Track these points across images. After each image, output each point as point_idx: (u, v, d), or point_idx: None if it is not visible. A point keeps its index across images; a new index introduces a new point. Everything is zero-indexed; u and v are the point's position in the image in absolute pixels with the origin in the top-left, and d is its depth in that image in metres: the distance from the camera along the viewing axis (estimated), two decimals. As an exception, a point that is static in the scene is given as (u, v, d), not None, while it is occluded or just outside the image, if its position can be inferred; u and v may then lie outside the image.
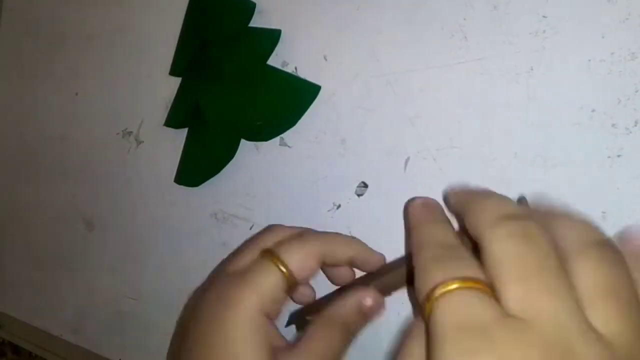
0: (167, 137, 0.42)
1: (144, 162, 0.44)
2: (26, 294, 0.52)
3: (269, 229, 0.32)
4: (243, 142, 0.39)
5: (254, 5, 0.39)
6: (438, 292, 0.20)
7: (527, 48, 0.30)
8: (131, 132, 0.45)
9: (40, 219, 0.51)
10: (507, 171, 0.30)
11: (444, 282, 0.20)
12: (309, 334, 0.29)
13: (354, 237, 0.32)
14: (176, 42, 0.42)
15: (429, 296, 0.20)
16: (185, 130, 0.41)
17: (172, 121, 0.41)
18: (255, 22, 0.39)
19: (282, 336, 0.29)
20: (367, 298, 0.29)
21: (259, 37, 0.38)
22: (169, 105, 0.42)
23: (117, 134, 0.46)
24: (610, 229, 0.28)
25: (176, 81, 0.41)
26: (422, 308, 0.20)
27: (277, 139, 0.38)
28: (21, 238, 0.53)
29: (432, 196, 0.32)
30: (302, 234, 0.31)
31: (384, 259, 0.32)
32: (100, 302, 0.46)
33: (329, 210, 0.36)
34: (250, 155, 0.39)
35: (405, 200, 0.33)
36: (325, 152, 0.36)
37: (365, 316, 0.29)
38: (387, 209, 0.34)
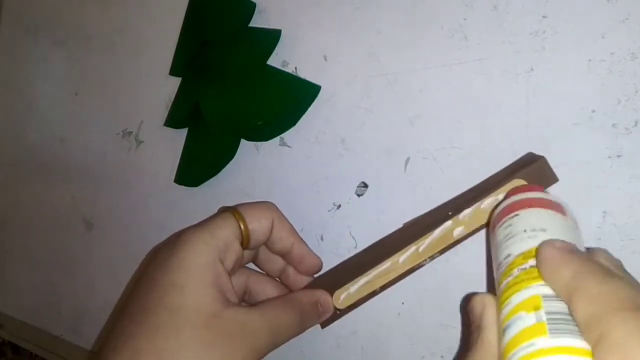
0: (167, 137, 0.42)
1: (144, 162, 0.44)
2: (26, 294, 0.52)
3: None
4: (243, 142, 0.39)
5: (254, 5, 0.39)
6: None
7: (527, 48, 0.30)
8: (131, 132, 0.45)
9: (40, 219, 0.51)
10: (507, 171, 0.30)
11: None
12: (268, 304, 0.30)
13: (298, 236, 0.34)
14: (176, 42, 0.42)
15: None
16: (185, 130, 0.41)
17: (172, 121, 0.41)
18: (255, 22, 0.39)
19: (234, 293, 0.30)
20: (325, 296, 0.32)
21: (259, 37, 0.38)
22: (169, 105, 0.42)
23: (117, 134, 0.46)
24: (610, 229, 0.28)
25: (176, 81, 0.41)
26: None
27: (277, 139, 0.38)
28: (21, 238, 0.53)
29: (431, 196, 0.32)
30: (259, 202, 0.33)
31: (321, 263, 0.34)
32: (100, 302, 0.46)
33: (329, 210, 0.36)
34: (250, 155, 0.39)
35: (406, 200, 0.33)
36: (325, 152, 0.36)
37: (318, 313, 0.32)
38: (387, 209, 0.34)
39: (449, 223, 0.29)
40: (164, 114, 0.42)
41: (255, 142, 0.39)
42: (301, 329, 0.31)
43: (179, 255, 0.28)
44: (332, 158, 0.36)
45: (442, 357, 0.32)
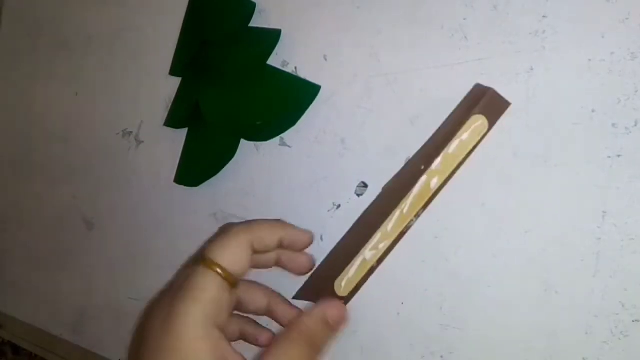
0: (167, 137, 0.42)
1: (144, 162, 0.44)
2: (26, 294, 0.52)
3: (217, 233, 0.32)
4: (243, 142, 0.39)
5: (254, 5, 0.39)
6: None
7: (527, 48, 0.30)
8: (131, 132, 0.45)
9: (40, 219, 0.51)
10: (508, 171, 0.30)
11: None
12: (272, 351, 0.28)
13: (278, 220, 0.32)
14: (176, 42, 0.42)
15: None
16: (185, 130, 0.41)
17: (172, 121, 0.41)
18: (256, 22, 0.39)
19: (235, 351, 0.28)
20: (332, 309, 0.29)
21: (259, 37, 0.38)
22: (169, 106, 0.42)
23: (117, 134, 0.46)
24: (610, 229, 0.28)
25: (176, 81, 0.41)
26: None
27: (277, 139, 0.38)
28: (22, 238, 0.53)
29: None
30: (225, 229, 0.30)
31: (312, 236, 0.32)
32: (100, 302, 0.46)
33: (329, 210, 0.36)
34: (250, 155, 0.39)
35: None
36: (325, 152, 0.36)
37: (331, 328, 0.29)
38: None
39: (424, 178, 0.29)
40: (164, 114, 0.43)
41: (255, 142, 0.39)
42: (319, 351, 0.29)
43: (174, 336, 0.27)
44: (332, 158, 0.36)
45: (442, 356, 0.32)
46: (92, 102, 0.48)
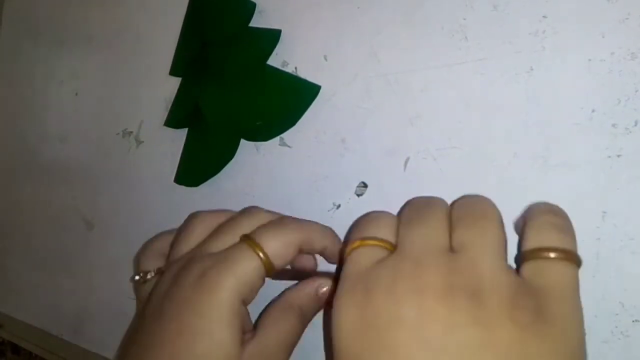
0: (167, 137, 0.42)
1: (144, 162, 0.44)
2: (26, 293, 0.52)
3: (248, 211, 0.32)
4: (243, 142, 0.39)
5: (254, 5, 0.39)
6: (348, 250, 0.26)
7: (527, 48, 0.30)
8: (131, 132, 0.45)
9: (40, 219, 0.51)
10: (507, 171, 0.30)
11: (352, 242, 0.26)
12: (269, 321, 0.30)
13: (329, 227, 0.33)
14: (176, 42, 0.42)
15: (343, 255, 0.26)
16: (185, 130, 0.41)
17: (172, 121, 0.41)
18: (256, 22, 0.39)
19: (251, 321, 0.31)
20: (324, 285, 0.32)
21: (259, 37, 0.38)
22: (169, 106, 0.42)
23: (117, 134, 0.46)
24: (610, 229, 0.28)
25: (176, 81, 0.41)
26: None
27: (277, 139, 0.38)
28: (21, 238, 0.53)
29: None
30: (282, 220, 0.31)
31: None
32: (100, 302, 0.46)
33: (328, 210, 0.36)
34: (250, 155, 0.39)
35: (405, 200, 0.33)
36: (325, 152, 0.36)
37: (320, 300, 0.32)
38: (386, 209, 0.34)
39: None
40: (164, 114, 0.43)
41: (255, 142, 0.39)
42: (308, 321, 0.32)
43: (205, 300, 0.28)
44: (332, 158, 0.36)
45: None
46: (92, 102, 0.48)
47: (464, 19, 0.32)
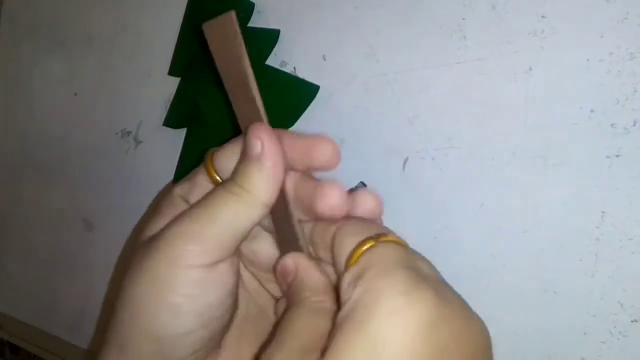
0: (166, 137, 0.42)
1: (143, 162, 0.44)
2: (25, 293, 0.52)
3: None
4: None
5: (252, 5, 0.39)
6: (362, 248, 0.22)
7: (526, 48, 0.30)
8: (130, 132, 0.45)
9: (40, 219, 0.51)
10: (506, 171, 0.30)
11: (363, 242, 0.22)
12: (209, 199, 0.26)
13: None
14: (175, 42, 0.42)
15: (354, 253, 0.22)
16: (184, 130, 0.41)
17: (171, 121, 0.41)
18: (254, 21, 0.39)
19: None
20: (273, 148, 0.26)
21: (258, 37, 0.38)
22: (168, 106, 0.42)
23: (116, 134, 0.46)
24: (609, 229, 0.28)
25: (175, 81, 0.41)
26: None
27: (276, 139, 0.38)
28: (21, 238, 0.53)
29: (430, 196, 0.32)
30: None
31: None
32: (99, 302, 0.46)
33: (327, 210, 0.36)
34: (249, 155, 0.39)
35: (404, 200, 0.33)
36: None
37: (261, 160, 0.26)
38: (385, 208, 0.34)
39: None
40: (163, 114, 0.42)
41: (254, 142, 0.39)
42: (255, 210, 0.25)
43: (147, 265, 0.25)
44: (331, 158, 0.36)
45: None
46: (91, 102, 0.48)
47: (463, 19, 0.32)
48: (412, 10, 0.33)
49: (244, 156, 0.26)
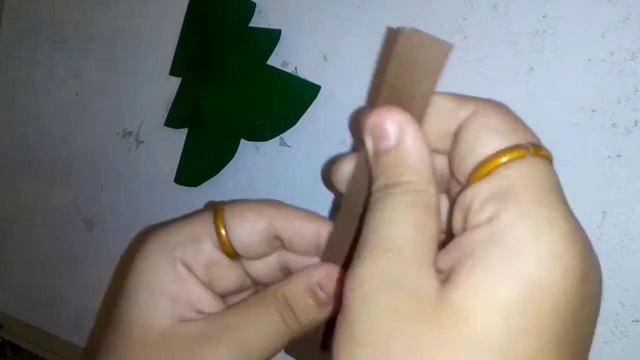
0: (167, 137, 0.42)
1: (144, 162, 0.44)
2: (26, 293, 0.52)
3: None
4: (243, 142, 0.39)
5: (253, 5, 0.39)
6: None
7: (527, 48, 0.30)
8: (131, 132, 0.45)
9: (40, 218, 0.51)
10: (507, 171, 0.30)
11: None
12: (236, 308, 0.23)
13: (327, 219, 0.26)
14: (176, 42, 0.42)
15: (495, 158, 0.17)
16: (185, 130, 0.41)
17: (172, 121, 0.41)
18: (255, 22, 0.39)
19: (209, 298, 0.24)
20: (323, 276, 0.23)
21: (259, 37, 0.38)
22: (169, 105, 0.42)
23: (117, 134, 0.46)
24: (610, 229, 0.28)
25: (176, 81, 0.41)
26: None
27: (277, 139, 0.38)
28: (22, 238, 0.53)
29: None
30: (264, 203, 0.26)
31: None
32: (100, 302, 0.46)
33: (329, 211, 0.36)
34: (250, 155, 0.39)
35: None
36: (325, 152, 0.36)
37: (319, 301, 0.23)
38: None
39: None
40: (164, 114, 0.43)
41: (255, 142, 0.39)
42: (298, 330, 0.23)
43: (137, 260, 0.24)
44: (332, 158, 0.36)
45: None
46: (92, 102, 0.48)
47: (464, 19, 0.32)
48: (413, 10, 0.33)
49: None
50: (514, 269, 0.16)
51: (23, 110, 0.53)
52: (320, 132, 0.36)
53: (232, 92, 0.37)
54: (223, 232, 0.24)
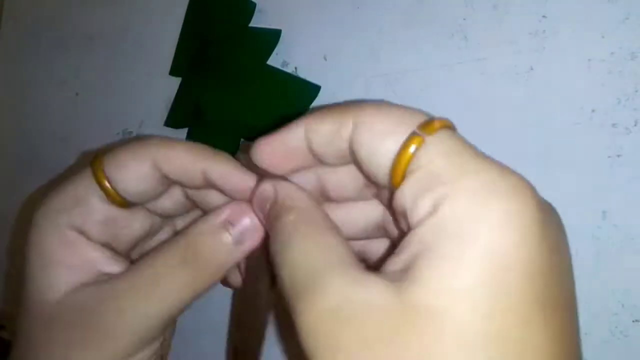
0: (168, 137, 0.42)
1: (144, 162, 0.44)
2: (27, 294, 0.52)
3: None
4: (243, 142, 0.39)
5: (254, 5, 0.39)
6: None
7: (527, 48, 0.30)
8: (131, 132, 0.45)
9: (40, 219, 0.51)
10: (507, 171, 0.30)
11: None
12: (142, 265, 0.22)
13: (215, 150, 0.24)
14: (176, 42, 0.42)
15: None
16: (186, 130, 0.41)
17: (172, 121, 0.41)
18: (256, 22, 0.39)
19: (117, 261, 0.22)
20: (237, 214, 0.21)
21: (259, 37, 0.38)
22: (169, 106, 0.42)
23: (118, 134, 0.46)
24: (610, 229, 0.28)
25: (176, 81, 0.41)
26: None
27: (277, 139, 0.38)
28: (23, 238, 0.52)
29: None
30: (145, 143, 0.24)
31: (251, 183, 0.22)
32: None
33: (329, 210, 0.36)
34: (251, 155, 0.39)
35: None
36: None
37: (235, 243, 0.22)
38: (387, 209, 0.34)
39: None
40: (164, 114, 0.43)
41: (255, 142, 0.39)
42: (212, 276, 0.22)
43: (29, 233, 0.22)
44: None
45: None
46: (92, 102, 0.48)
47: (464, 19, 0.32)
48: (413, 11, 0.33)
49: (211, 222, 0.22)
50: (468, 248, 0.15)
51: (23, 110, 0.53)
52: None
53: (232, 92, 0.37)
54: (107, 185, 0.22)
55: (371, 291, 0.15)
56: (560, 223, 0.18)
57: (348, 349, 0.15)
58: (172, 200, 0.25)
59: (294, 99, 0.36)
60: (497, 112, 0.31)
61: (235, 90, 0.37)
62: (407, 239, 0.16)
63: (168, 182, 0.23)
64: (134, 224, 0.24)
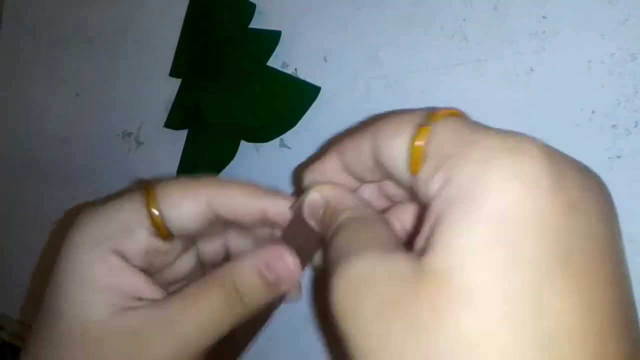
0: (167, 138, 0.42)
1: (144, 163, 0.44)
2: (27, 295, 0.52)
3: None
4: (243, 143, 0.39)
5: (254, 7, 0.39)
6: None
7: (527, 49, 0.30)
8: (131, 133, 0.45)
9: (41, 219, 0.51)
10: (507, 172, 0.30)
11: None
12: (186, 294, 0.22)
13: (266, 188, 0.25)
14: (176, 43, 0.42)
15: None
16: (186, 131, 0.41)
17: (172, 122, 0.41)
18: (255, 23, 0.39)
19: (147, 289, 0.23)
20: (277, 259, 0.23)
21: (259, 38, 0.38)
22: (169, 107, 0.42)
23: (117, 135, 0.46)
24: (610, 231, 0.28)
25: (176, 82, 0.41)
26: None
27: (277, 140, 0.38)
28: (22, 239, 0.53)
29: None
30: (201, 181, 0.24)
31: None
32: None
33: (329, 212, 0.36)
34: (250, 156, 0.39)
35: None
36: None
37: (268, 282, 0.23)
38: (387, 210, 0.34)
39: None
40: (164, 115, 0.43)
41: (255, 143, 0.39)
42: (243, 313, 0.23)
43: (66, 254, 0.23)
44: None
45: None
46: (92, 102, 0.48)
47: (464, 20, 0.32)
48: (413, 12, 0.33)
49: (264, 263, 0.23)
50: (475, 208, 0.16)
51: (23, 110, 0.53)
52: (320, 134, 0.36)
53: (232, 93, 0.37)
54: (159, 220, 0.23)
55: (396, 264, 0.17)
56: (593, 185, 0.18)
57: (366, 312, 0.16)
58: (214, 247, 0.27)
59: (294, 101, 0.36)
60: (497, 113, 0.31)
61: (235, 91, 0.37)
62: (425, 215, 0.18)
63: (218, 220, 0.25)
64: (170, 252, 0.25)
